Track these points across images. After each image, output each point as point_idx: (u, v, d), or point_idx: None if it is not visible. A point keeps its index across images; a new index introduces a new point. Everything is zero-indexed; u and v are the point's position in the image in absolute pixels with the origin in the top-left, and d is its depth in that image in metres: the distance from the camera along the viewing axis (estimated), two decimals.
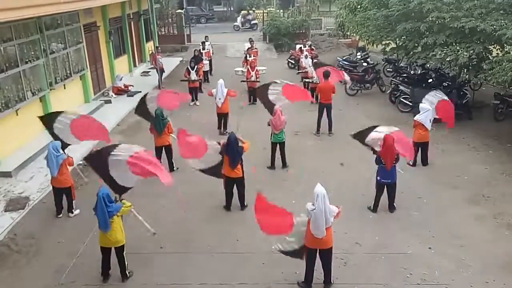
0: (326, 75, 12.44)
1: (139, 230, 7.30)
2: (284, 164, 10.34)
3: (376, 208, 8.44)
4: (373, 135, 8.52)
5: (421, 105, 10.24)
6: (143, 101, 10.77)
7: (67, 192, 8.24)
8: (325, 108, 12.28)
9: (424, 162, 10.35)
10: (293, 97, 10.99)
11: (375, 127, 8.70)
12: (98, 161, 7.04)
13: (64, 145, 8.69)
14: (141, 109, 10.76)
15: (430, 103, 10.26)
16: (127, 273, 6.67)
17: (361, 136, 8.76)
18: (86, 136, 9.03)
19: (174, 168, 10.21)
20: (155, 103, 10.44)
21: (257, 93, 11.79)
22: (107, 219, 6.19)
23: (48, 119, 9.03)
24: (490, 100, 14.00)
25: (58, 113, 9.10)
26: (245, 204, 8.60)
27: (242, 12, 36.57)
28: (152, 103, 10.55)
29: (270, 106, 10.64)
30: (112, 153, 6.88)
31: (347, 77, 13.70)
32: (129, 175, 6.85)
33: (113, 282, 6.65)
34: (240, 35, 29.31)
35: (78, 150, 9.86)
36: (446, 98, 10.54)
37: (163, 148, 10.04)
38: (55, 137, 8.80)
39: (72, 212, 8.39)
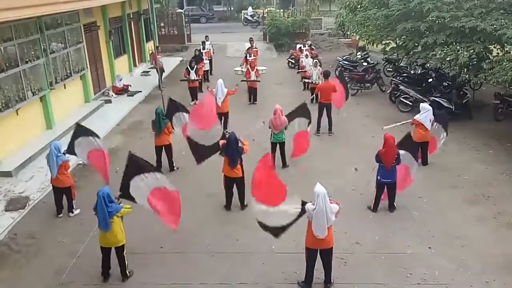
0: (327, 74, 12.45)
1: (139, 230, 7.31)
2: (284, 164, 10.34)
3: (376, 208, 8.44)
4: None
5: (421, 104, 10.25)
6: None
7: (66, 191, 8.25)
8: (325, 108, 12.29)
9: (424, 162, 10.35)
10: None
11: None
12: (134, 165, 6.86)
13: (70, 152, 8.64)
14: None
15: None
16: (127, 272, 6.67)
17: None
18: (95, 165, 8.71)
19: (174, 168, 10.21)
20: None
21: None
22: (107, 219, 6.19)
23: (80, 132, 8.56)
24: (490, 99, 14.01)
25: (91, 133, 8.56)
26: (245, 204, 8.60)
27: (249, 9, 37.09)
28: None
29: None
30: (145, 174, 6.78)
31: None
32: (144, 199, 6.82)
33: (113, 282, 6.65)
34: (240, 35, 29.30)
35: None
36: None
37: (163, 147, 10.03)
38: (70, 148, 8.49)
39: (72, 212, 8.39)
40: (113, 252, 6.55)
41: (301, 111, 10.14)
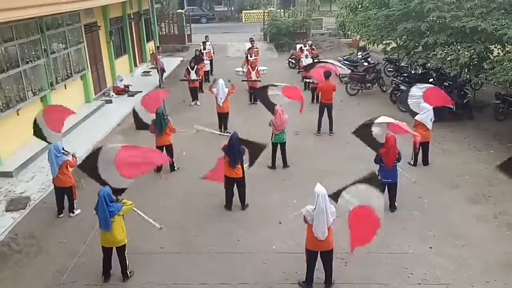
0: (327, 75, 12.44)
1: (139, 230, 7.31)
2: (285, 164, 10.34)
3: None
4: (375, 130, 8.57)
5: (421, 104, 10.23)
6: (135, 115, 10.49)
7: (68, 191, 8.26)
8: (326, 108, 12.28)
9: (425, 161, 10.35)
10: (292, 95, 10.95)
11: (371, 123, 8.67)
12: (90, 167, 6.95)
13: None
14: (138, 122, 10.50)
15: (418, 99, 10.33)
16: (128, 273, 6.67)
17: (362, 132, 8.73)
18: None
19: (175, 168, 10.21)
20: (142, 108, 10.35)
21: (257, 95, 11.55)
22: (108, 219, 6.19)
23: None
24: (491, 99, 13.98)
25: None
26: (246, 204, 8.61)
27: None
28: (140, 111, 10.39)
29: (270, 106, 10.56)
30: (99, 156, 6.81)
31: (343, 70, 13.46)
32: (120, 177, 6.78)
33: (114, 282, 6.65)
34: (240, 35, 29.29)
35: (79, 151, 9.84)
36: (427, 86, 10.71)
37: (164, 148, 10.02)
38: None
39: (73, 212, 8.40)
40: (114, 252, 6.56)
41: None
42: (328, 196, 6.13)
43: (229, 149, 8.16)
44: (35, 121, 8.80)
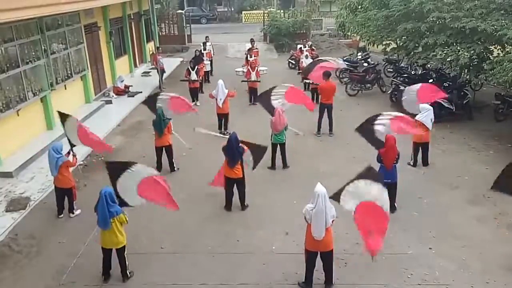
0: (327, 75, 12.45)
1: (139, 230, 7.32)
2: (285, 165, 10.34)
3: None
4: (379, 128, 8.55)
5: (421, 105, 10.24)
6: (154, 98, 10.77)
7: (68, 193, 8.26)
8: (326, 109, 12.29)
9: (425, 162, 10.35)
10: (295, 101, 10.94)
11: (374, 120, 8.66)
12: (114, 171, 6.88)
13: (70, 145, 8.70)
14: (150, 102, 10.81)
15: (411, 99, 10.49)
16: (128, 273, 6.67)
17: (365, 130, 8.74)
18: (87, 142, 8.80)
19: (175, 169, 10.21)
20: (165, 105, 10.33)
21: (259, 101, 11.41)
22: (107, 218, 6.19)
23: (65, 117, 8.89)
24: (491, 100, 13.99)
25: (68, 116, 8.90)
26: (246, 204, 8.61)
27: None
28: (163, 103, 10.42)
29: (271, 110, 10.48)
30: (127, 171, 6.76)
31: (341, 64, 13.19)
32: (135, 196, 6.75)
33: (113, 282, 6.65)
34: (240, 35, 29.32)
35: (79, 151, 9.85)
36: (420, 84, 10.86)
37: (163, 148, 10.03)
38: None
39: (73, 213, 8.40)
40: (114, 252, 6.55)
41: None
42: (330, 197, 6.14)
43: (228, 149, 8.17)
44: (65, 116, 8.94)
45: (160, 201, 6.81)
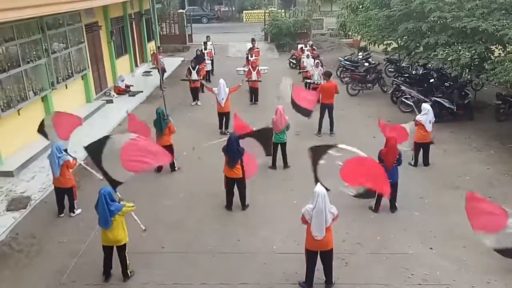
0: (328, 74, 12.45)
1: (140, 230, 7.31)
2: (286, 165, 10.34)
3: (377, 208, 8.43)
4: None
5: (423, 105, 10.24)
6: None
7: (68, 192, 8.26)
8: (327, 109, 12.28)
9: (426, 162, 10.34)
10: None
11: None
12: (95, 149, 6.93)
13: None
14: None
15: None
16: (129, 272, 6.68)
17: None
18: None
19: (176, 168, 10.21)
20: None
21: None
22: (107, 217, 6.20)
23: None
24: (492, 100, 13.98)
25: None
26: (246, 204, 8.60)
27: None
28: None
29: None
30: (108, 143, 6.78)
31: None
32: (121, 169, 6.73)
33: (114, 281, 6.65)
34: (241, 35, 29.32)
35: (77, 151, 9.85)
36: None
37: (164, 148, 10.01)
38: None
39: (74, 212, 8.40)
40: (115, 252, 6.56)
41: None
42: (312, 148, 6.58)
43: (228, 149, 8.16)
44: (42, 121, 8.96)
45: (150, 162, 6.70)
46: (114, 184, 6.82)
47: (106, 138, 7.01)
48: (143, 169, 6.85)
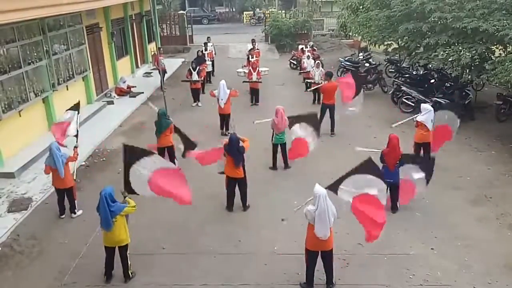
0: (329, 75, 12.44)
1: (140, 230, 7.33)
2: (286, 165, 10.34)
3: None
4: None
5: (422, 105, 10.23)
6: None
7: (68, 192, 8.24)
8: (328, 109, 12.26)
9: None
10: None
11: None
12: (131, 154, 6.80)
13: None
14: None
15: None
16: (130, 273, 6.68)
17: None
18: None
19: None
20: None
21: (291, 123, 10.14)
22: (109, 219, 6.20)
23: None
24: (493, 100, 13.97)
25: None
26: (247, 205, 8.60)
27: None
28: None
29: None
30: (141, 160, 6.68)
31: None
32: (145, 186, 6.70)
33: (115, 282, 6.66)
34: (242, 35, 29.34)
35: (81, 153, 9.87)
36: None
37: (165, 149, 10.02)
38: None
39: (75, 213, 8.40)
40: (117, 253, 6.56)
41: (310, 119, 9.79)
42: (326, 188, 6.21)
43: (229, 149, 8.16)
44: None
45: (173, 195, 6.72)
46: (128, 189, 6.73)
47: (151, 153, 6.95)
48: (162, 195, 6.83)
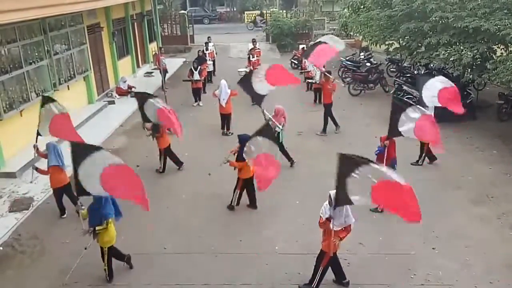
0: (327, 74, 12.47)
1: (141, 230, 7.33)
2: (290, 160, 10.26)
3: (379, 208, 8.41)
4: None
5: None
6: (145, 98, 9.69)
7: (66, 188, 8.09)
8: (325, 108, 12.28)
9: (432, 158, 10.35)
10: (278, 82, 9.84)
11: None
12: (76, 154, 6.05)
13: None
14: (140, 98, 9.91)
15: (432, 93, 9.96)
16: (107, 277, 6.62)
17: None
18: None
19: (179, 168, 10.22)
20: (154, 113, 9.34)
21: (241, 85, 10.13)
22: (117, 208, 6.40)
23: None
24: (494, 100, 13.96)
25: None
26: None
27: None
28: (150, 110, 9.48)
29: (257, 97, 9.84)
30: (91, 156, 5.97)
31: (340, 46, 11.65)
32: (97, 183, 5.97)
33: (117, 282, 6.67)
34: (243, 35, 29.34)
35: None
36: (449, 85, 10.12)
37: (165, 149, 10.03)
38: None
39: (78, 201, 8.17)
40: (119, 249, 6.62)
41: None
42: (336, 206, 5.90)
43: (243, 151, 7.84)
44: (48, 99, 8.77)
45: (129, 196, 6.00)
46: (81, 193, 6.14)
47: (94, 148, 6.17)
48: (116, 195, 6.22)
